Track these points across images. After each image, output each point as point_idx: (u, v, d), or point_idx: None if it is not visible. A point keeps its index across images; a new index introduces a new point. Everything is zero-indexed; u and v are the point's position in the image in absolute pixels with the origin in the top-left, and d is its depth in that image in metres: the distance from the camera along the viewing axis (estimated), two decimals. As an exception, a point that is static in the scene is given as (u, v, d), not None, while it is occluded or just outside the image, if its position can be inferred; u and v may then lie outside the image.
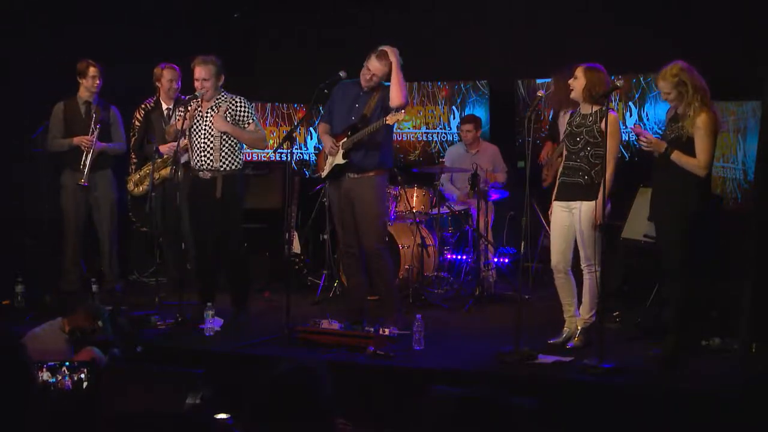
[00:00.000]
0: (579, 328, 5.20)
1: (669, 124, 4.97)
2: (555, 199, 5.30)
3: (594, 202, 5.05)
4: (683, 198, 4.81)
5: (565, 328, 5.28)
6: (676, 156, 4.80)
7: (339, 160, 5.66)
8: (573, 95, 5.17)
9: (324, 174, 5.84)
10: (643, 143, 4.89)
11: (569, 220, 5.21)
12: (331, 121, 5.82)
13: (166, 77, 6.75)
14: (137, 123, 6.89)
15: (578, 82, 5.13)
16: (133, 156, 7.02)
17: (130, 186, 6.94)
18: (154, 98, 6.87)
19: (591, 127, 5.10)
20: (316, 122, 8.61)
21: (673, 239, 4.86)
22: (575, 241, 5.22)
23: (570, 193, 5.19)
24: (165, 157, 6.63)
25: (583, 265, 5.20)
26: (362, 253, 5.77)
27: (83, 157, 6.66)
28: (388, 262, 5.79)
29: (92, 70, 6.67)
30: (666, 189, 4.90)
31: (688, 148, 4.80)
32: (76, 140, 6.67)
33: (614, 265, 5.91)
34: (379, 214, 5.71)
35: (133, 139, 6.93)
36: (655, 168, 4.97)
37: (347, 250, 5.79)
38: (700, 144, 4.77)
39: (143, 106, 6.88)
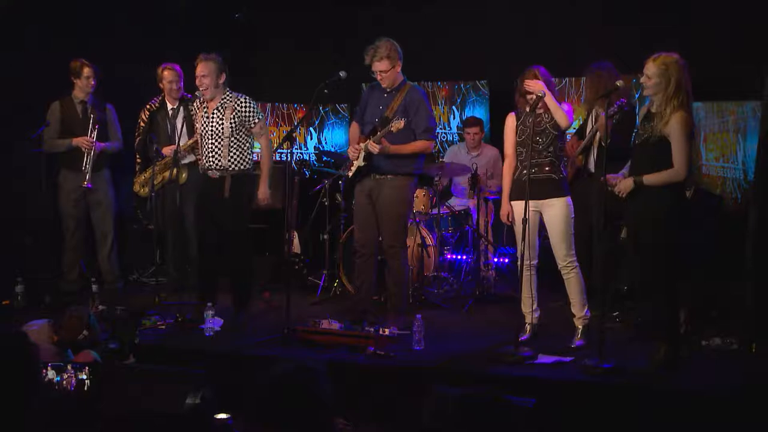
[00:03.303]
0: (579, 327, 5.22)
1: (642, 123, 4.83)
2: (519, 198, 5.19)
3: (566, 197, 5.19)
4: (657, 205, 4.66)
5: (527, 324, 5.34)
6: (650, 179, 4.63)
7: (360, 162, 5.68)
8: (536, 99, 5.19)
9: (350, 174, 5.85)
10: (618, 192, 4.80)
11: (536, 217, 5.25)
12: (362, 122, 5.82)
13: (166, 78, 6.73)
14: (142, 123, 6.88)
15: (538, 85, 5.15)
16: (138, 156, 7.01)
17: (136, 187, 6.93)
18: (159, 98, 6.85)
19: (552, 120, 5.18)
20: (316, 122, 8.64)
21: (652, 249, 4.73)
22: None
23: (542, 191, 5.19)
24: (166, 158, 6.63)
25: (561, 264, 5.21)
26: (374, 254, 5.80)
27: (85, 159, 6.64)
28: (404, 264, 5.79)
29: (87, 71, 6.65)
30: (638, 197, 4.73)
31: (658, 150, 4.62)
32: (76, 141, 6.65)
33: (621, 266, 5.91)
34: (401, 215, 5.70)
35: (137, 139, 6.92)
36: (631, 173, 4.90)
37: (360, 250, 5.79)
38: (675, 149, 4.57)
39: (148, 106, 6.86)
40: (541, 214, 5.29)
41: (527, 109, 5.27)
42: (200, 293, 5.90)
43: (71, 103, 6.75)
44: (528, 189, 4.96)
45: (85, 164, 6.64)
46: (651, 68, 4.67)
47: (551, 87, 5.24)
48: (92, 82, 6.69)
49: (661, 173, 4.62)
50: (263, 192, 5.81)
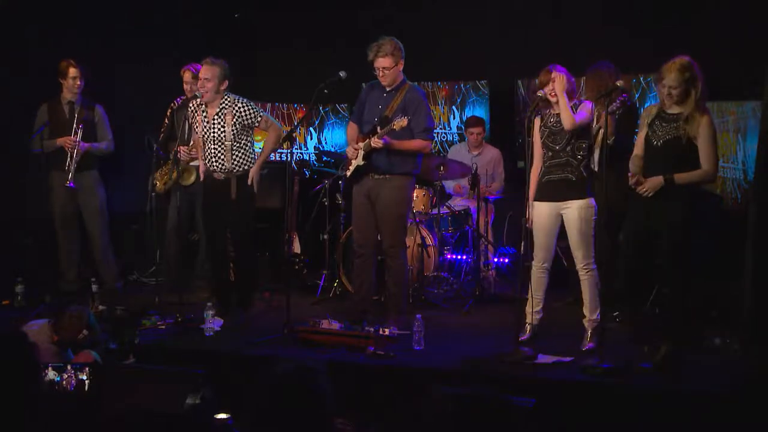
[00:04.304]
0: (589, 330, 5.19)
1: (657, 123, 4.87)
2: (540, 199, 5.24)
3: (586, 200, 5.08)
4: (682, 205, 4.78)
5: (528, 324, 5.31)
6: (682, 179, 4.73)
7: (359, 161, 5.68)
8: (556, 99, 5.15)
9: (348, 174, 5.85)
10: (644, 191, 4.83)
11: (555, 220, 5.21)
12: (360, 122, 5.82)
13: (185, 80, 6.69)
14: (166, 121, 6.88)
15: (557, 85, 5.13)
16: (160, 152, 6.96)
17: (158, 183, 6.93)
18: (183, 98, 6.82)
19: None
20: (316, 122, 8.64)
21: (674, 248, 4.81)
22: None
23: (559, 193, 5.17)
24: (170, 160, 6.63)
25: (578, 266, 5.19)
26: (373, 255, 5.81)
27: (68, 159, 6.64)
28: (403, 263, 5.79)
29: (72, 71, 6.64)
30: (666, 197, 4.81)
31: (687, 151, 4.75)
32: (59, 141, 6.65)
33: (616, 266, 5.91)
34: (400, 215, 5.70)
35: (161, 136, 6.89)
36: (645, 175, 4.90)
37: (359, 250, 5.80)
38: (707, 151, 4.72)
39: (172, 105, 6.85)
40: (563, 217, 5.24)
41: (548, 110, 5.26)
42: (215, 293, 5.95)
43: (59, 104, 6.75)
44: (527, 190, 4.96)
45: (68, 164, 6.64)
46: (673, 78, 4.73)
47: (570, 84, 5.14)
48: (78, 83, 6.68)
49: (693, 173, 4.74)
50: (254, 171, 5.78)
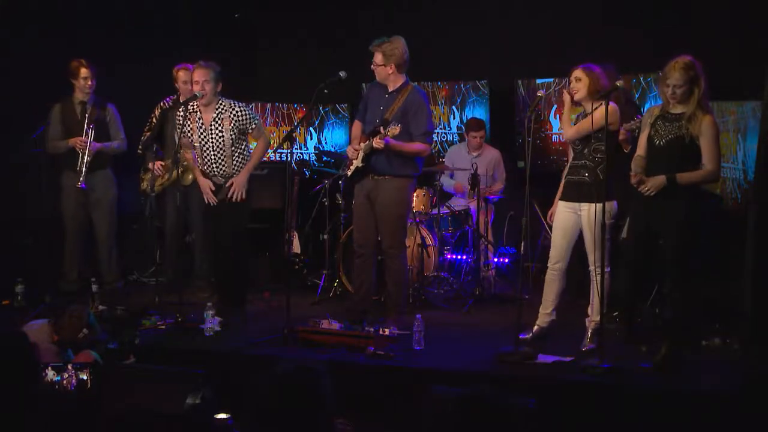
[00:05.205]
0: (589, 330, 5.19)
1: (660, 123, 4.87)
2: (561, 199, 5.30)
3: (599, 203, 5.01)
4: (685, 204, 4.79)
5: (536, 325, 5.32)
6: (684, 177, 4.73)
7: (358, 163, 5.69)
8: (578, 97, 5.15)
9: (349, 174, 5.86)
10: (646, 190, 4.83)
11: (573, 221, 5.21)
12: (364, 121, 5.83)
13: (181, 79, 6.65)
14: (154, 120, 6.85)
15: (582, 83, 5.13)
16: (140, 151, 6.88)
17: (144, 185, 6.92)
18: (174, 97, 6.80)
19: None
20: (316, 122, 8.63)
21: (677, 249, 4.83)
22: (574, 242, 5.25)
23: (576, 194, 5.17)
24: (167, 159, 6.62)
25: (591, 267, 5.18)
26: (373, 255, 5.81)
27: (79, 159, 6.64)
28: (403, 264, 5.80)
29: (83, 71, 6.63)
30: (668, 196, 4.81)
31: (690, 150, 4.75)
32: (71, 142, 6.64)
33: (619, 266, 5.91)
34: (400, 215, 5.70)
35: (146, 134, 6.86)
36: (647, 175, 4.90)
37: (359, 250, 5.81)
38: (710, 150, 4.72)
39: (161, 104, 6.83)
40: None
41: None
42: (215, 290, 5.98)
43: (71, 104, 6.74)
44: (527, 188, 4.95)
45: (79, 164, 6.63)
46: (677, 77, 4.73)
47: (599, 81, 5.09)
48: (89, 83, 6.66)
49: (696, 173, 4.75)
50: (239, 180, 5.77)
